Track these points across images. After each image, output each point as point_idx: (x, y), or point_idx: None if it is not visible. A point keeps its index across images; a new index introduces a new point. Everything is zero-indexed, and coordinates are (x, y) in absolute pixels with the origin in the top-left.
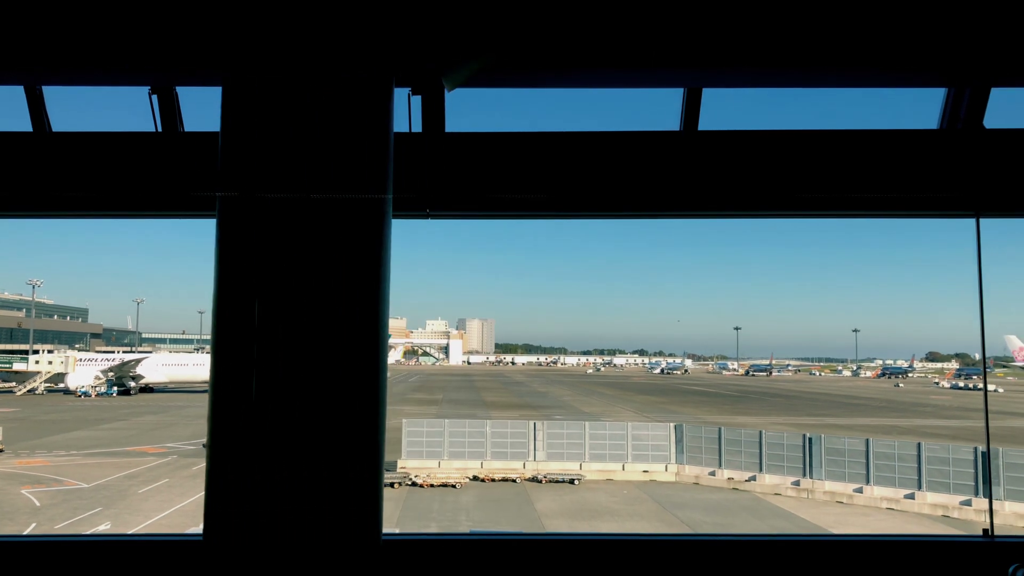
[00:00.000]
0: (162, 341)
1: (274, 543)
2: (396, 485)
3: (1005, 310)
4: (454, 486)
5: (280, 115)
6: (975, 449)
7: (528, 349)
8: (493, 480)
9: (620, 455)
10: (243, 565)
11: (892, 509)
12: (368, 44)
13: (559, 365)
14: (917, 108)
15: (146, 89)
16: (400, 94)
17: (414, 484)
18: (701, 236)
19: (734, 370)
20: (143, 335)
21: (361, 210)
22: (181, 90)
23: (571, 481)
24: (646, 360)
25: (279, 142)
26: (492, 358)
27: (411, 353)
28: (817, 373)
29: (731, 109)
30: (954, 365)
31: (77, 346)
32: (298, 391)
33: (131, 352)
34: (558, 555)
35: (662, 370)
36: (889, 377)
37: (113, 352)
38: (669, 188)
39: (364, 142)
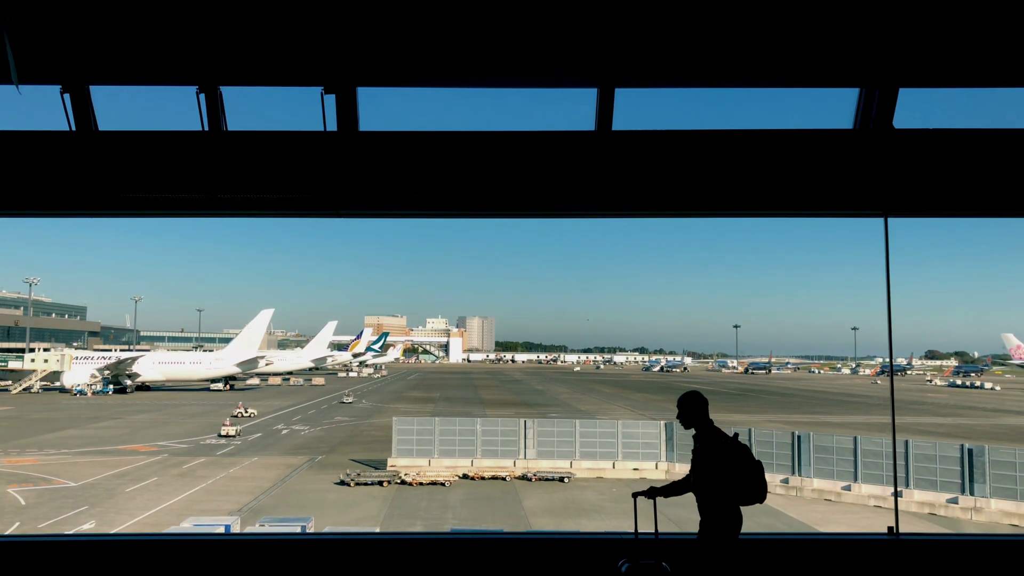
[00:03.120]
0: (160, 339)
1: None
2: (385, 483)
3: (1006, 308)
4: (443, 484)
5: None
6: (962, 447)
7: (528, 347)
8: (483, 478)
9: (611, 453)
10: None
11: (879, 507)
12: None
13: (559, 363)
14: (837, 108)
15: None
16: (314, 93)
17: (403, 483)
18: (702, 234)
19: (733, 368)
20: (141, 333)
21: None
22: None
23: (561, 479)
24: (646, 358)
25: None
26: (492, 356)
27: (411, 351)
28: (816, 371)
29: (647, 109)
30: (953, 363)
31: (75, 344)
32: None
33: (128, 350)
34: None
35: (661, 368)
36: (887, 374)
37: (110, 350)
38: (585, 188)
39: None
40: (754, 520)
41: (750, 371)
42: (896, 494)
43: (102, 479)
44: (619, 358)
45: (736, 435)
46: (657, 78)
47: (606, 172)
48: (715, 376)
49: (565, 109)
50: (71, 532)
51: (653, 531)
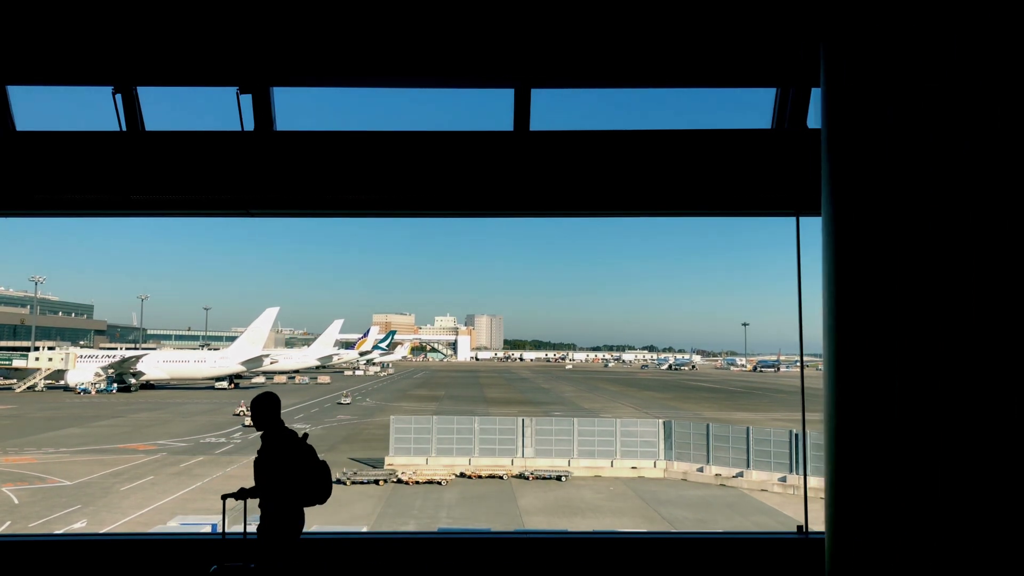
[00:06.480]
0: (167, 338)
1: None
2: (381, 482)
3: None
4: (440, 483)
5: None
6: None
7: (537, 345)
8: (480, 477)
9: (609, 451)
10: None
11: None
12: None
13: (567, 361)
14: (758, 109)
15: None
16: (231, 93)
17: (399, 481)
18: (708, 232)
19: (742, 366)
20: (148, 331)
21: None
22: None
23: (558, 478)
24: (655, 356)
25: None
26: (500, 354)
27: (418, 349)
28: None
29: (566, 110)
30: None
31: (81, 343)
32: None
33: (134, 349)
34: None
35: (670, 366)
36: None
37: (116, 348)
38: (503, 187)
39: None
40: (747, 519)
41: (759, 369)
42: (804, 493)
43: (97, 478)
44: (628, 356)
45: (305, 435)
46: (574, 79)
47: (524, 172)
48: (724, 374)
49: (485, 109)
50: (60, 532)
51: (242, 532)
